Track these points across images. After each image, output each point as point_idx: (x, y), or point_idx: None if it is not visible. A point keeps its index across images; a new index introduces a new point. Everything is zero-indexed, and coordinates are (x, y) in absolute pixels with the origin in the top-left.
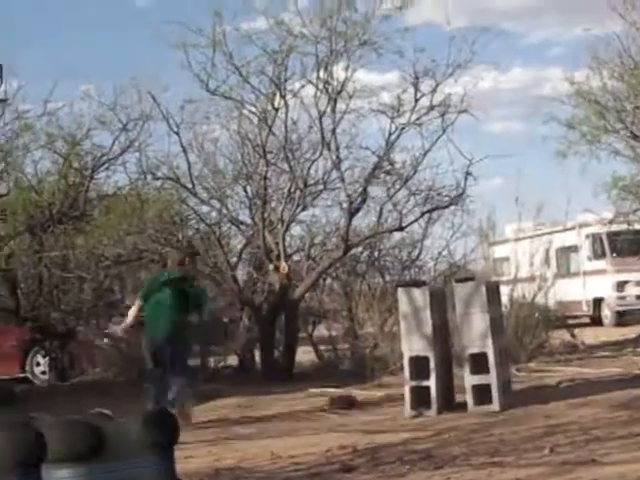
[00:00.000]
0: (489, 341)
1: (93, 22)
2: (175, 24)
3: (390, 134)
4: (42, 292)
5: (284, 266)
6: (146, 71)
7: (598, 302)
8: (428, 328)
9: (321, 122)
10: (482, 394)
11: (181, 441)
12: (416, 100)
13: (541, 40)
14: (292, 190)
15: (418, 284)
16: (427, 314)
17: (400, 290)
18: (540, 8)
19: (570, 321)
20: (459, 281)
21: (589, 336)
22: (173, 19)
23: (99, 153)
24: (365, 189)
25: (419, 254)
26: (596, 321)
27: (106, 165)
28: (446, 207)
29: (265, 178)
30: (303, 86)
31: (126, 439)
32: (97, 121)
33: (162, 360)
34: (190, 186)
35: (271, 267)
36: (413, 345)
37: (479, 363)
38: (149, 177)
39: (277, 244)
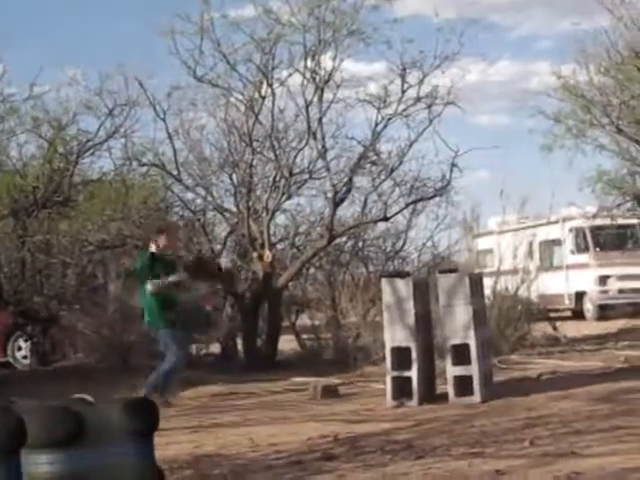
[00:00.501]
0: (471, 332)
1: (81, 7)
2: (163, 11)
3: (376, 124)
4: (25, 276)
5: (268, 255)
6: (133, 57)
7: (580, 296)
8: (411, 319)
9: (308, 111)
10: (464, 385)
11: (161, 428)
12: (403, 91)
13: (529, 33)
14: (277, 179)
15: (402, 275)
16: (410, 305)
17: (384, 280)
18: (528, 1)
19: (552, 314)
20: (442, 272)
21: (571, 329)
22: (161, 5)
23: (84, 138)
24: (350, 179)
25: (403, 245)
26: (578, 315)
27: (91, 150)
28: (431, 198)
29: (251, 166)
30: (290, 75)
31: (106, 425)
32: (83, 106)
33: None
34: (175, 173)
35: (255, 255)
36: (395, 335)
37: (461, 354)
38: (134, 163)
39: (261, 232)
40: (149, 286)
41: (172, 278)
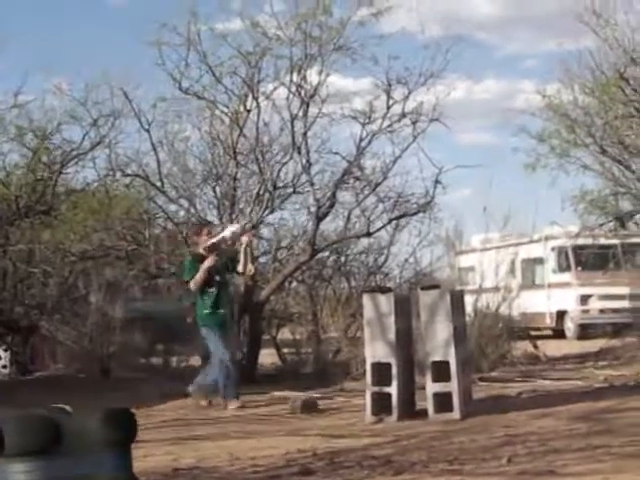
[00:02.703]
0: (452, 349)
1: (67, 17)
2: (150, 22)
3: (361, 140)
4: (6, 286)
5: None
6: (119, 67)
7: (561, 315)
8: (392, 335)
9: (293, 125)
10: (443, 402)
11: (140, 439)
12: (388, 107)
13: (515, 52)
14: (261, 192)
15: (383, 290)
16: (391, 320)
17: (365, 296)
18: (515, 20)
19: (533, 333)
20: (424, 289)
21: (552, 348)
22: (148, 17)
23: (69, 148)
24: (334, 194)
25: (385, 260)
26: (559, 333)
27: (75, 160)
28: (414, 214)
29: (235, 179)
30: (276, 88)
31: (84, 435)
32: (68, 116)
33: None
34: (159, 184)
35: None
36: (376, 351)
37: (441, 371)
38: (118, 174)
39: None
40: (191, 285)
41: (203, 266)
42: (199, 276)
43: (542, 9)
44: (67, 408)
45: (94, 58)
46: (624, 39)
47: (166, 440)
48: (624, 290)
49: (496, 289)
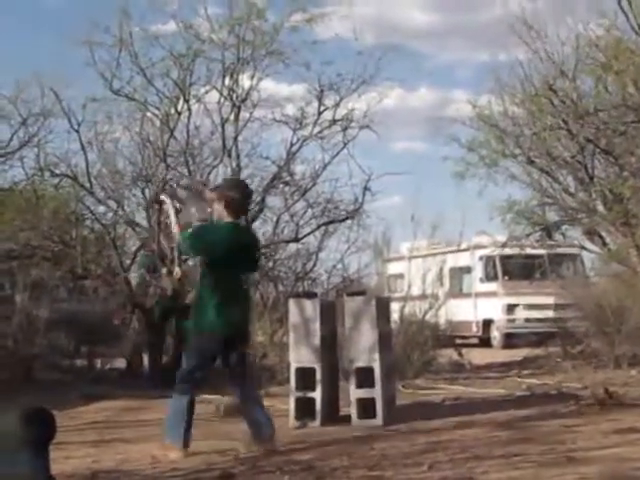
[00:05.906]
0: (376, 356)
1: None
2: (82, 21)
3: (292, 145)
4: None
5: (177, 271)
6: (50, 66)
7: (488, 323)
8: (316, 340)
9: (223, 129)
10: (367, 408)
11: (62, 441)
12: (319, 113)
13: (448, 62)
14: None
15: (309, 296)
16: (316, 326)
17: (291, 301)
18: (449, 30)
19: (460, 341)
20: (350, 295)
21: (477, 357)
22: (81, 16)
23: None
24: (263, 198)
25: (313, 266)
26: (485, 342)
27: (3, 159)
28: (343, 221)
29: (164, 182)
30: (207, 92)
31: (2, 435)
32: None
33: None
34: (88, 185)
35: (164, 271)
36: (301, 356)
37: (365, 377)
38: (47, 174)
39: (172, 248)
40: None
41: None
42: None
43: (476, 19)
44: None
45: (25, 56)
46: (554, 52)
47: (88, 442)
48: (549, 300)
49: (423, 297)
